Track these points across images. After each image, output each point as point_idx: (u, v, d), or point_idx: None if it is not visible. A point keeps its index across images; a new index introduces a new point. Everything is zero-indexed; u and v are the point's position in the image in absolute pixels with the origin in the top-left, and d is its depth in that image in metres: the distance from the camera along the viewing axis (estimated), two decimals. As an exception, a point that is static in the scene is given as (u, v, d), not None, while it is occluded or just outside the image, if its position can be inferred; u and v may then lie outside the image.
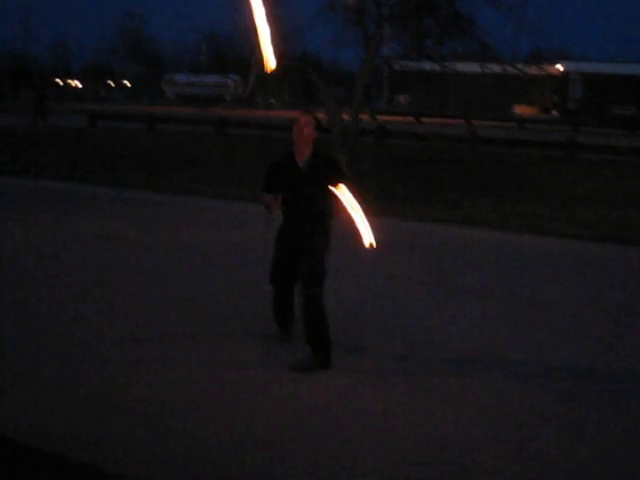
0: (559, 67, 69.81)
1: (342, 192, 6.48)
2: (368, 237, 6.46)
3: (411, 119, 57.47)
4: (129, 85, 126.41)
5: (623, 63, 73.62)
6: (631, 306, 9.10)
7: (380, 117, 51.77)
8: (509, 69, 23.52)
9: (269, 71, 5.50)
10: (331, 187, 6.53)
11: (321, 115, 20.52)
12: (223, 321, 7.82)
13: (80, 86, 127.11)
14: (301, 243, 6.71)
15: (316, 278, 6.68)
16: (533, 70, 28.34)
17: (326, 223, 6.81)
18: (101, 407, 5.65)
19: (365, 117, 33.62)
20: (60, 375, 6.24)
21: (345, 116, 21.93)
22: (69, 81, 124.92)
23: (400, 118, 56.56)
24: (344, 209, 6.53)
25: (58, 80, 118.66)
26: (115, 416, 5.50)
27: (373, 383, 6.41)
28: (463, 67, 28.28)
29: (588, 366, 6.92)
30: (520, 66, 24.74)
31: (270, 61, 5.43)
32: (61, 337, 7.18)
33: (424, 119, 57.64)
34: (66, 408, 5.62)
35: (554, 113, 73.86)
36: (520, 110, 73.35)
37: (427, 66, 26.93)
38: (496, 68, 23.29)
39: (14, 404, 5.67)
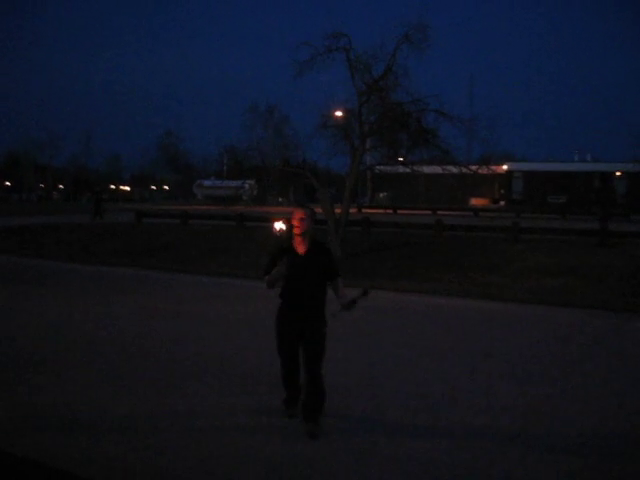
0: (504, 167, 70.46)
1: (334, 286, 6.22)
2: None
3: (389, 211, 57.76)
4: (167, 188, 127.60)
5: (554, 162, 74.42)
6: (567, 355, 9.09)
7: (365, 210, 52.10)
8: (465, 170, 23.76)
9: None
10: (324, 277, 6.20)
11: (318, 210, 20.60)
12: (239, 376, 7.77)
13: (128, 189, 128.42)
14: (301, 325, 6.14)
15: (318, 357, 6.15)
16: (484, 170, 28.63)
17: (321, 304, 6.22)
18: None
19: (353, 211, 33.83)
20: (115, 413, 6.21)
21: (337, 210, 22.07)
22: (120, 187, 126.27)
23: (381, 211, 56.90)
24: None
25: (112, 186, 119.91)
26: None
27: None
28: (428, 169, 28.50)
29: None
30: (473, 167, 24.98)
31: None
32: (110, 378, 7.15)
33: (399, 211, 57.93)
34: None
35: (502, 203, 74.26)
36: (475, 201, 73.90)
37: (400, 169, 27.17)
38: (454, 169, 23.52)
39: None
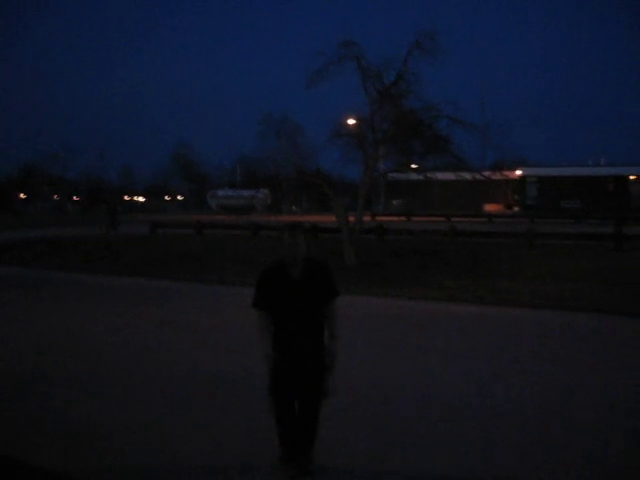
0: (518, 172, 70.28)
1: (329, 314, 5.27)
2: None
3: (403, 218, 57.73)
4: (181, 199, 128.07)
5: (568, 167, 74.17)
6: (581, 358, 9.05)
7: (379, 218, 52.13)
8: (478, 176, 23.77)
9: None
10: (321, 303, 5.23)
11: (332, 218, 20.68)
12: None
13: (142, 200, 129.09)
14: (301, 376, 5.18)
15: (319, 403, 5.30)
16: (497, 176, 28.66)
17: (322, 339, 5.24)
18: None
19: (367, 218, 33.88)
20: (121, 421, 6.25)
21: (351, 218, 22.11)
22: (135, 198, 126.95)
23: (395, 218, 56.87)
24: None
25: (126, 197, 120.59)
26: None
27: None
28: (442, 176, 28.51)
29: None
30: (487, 173, 25.00)
31: None
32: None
33: (413, 218, 57.90)
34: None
35: (515, 209, 74.09)
36: (489, 207, 73.72)
37: (414, 176, 27.23)
38: (468, 176, 23.56)
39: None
